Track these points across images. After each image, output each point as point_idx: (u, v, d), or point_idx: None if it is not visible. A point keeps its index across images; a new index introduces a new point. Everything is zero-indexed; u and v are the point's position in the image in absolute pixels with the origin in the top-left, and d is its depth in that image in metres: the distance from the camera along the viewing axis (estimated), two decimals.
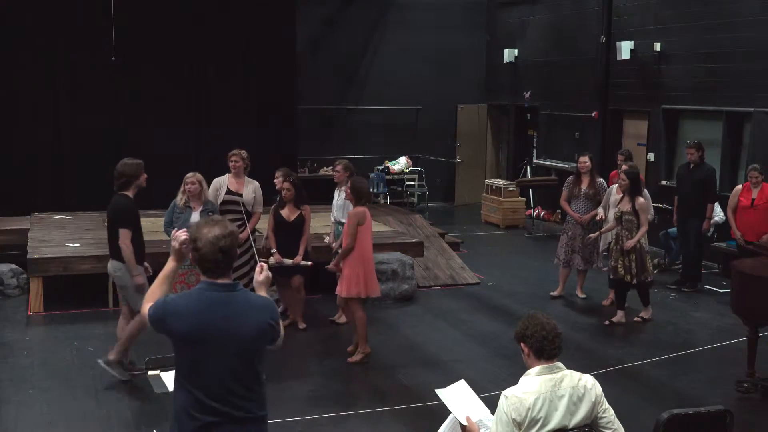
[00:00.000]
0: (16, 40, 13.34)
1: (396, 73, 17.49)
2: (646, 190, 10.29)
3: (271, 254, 8.85)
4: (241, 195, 8.82)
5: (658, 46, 13.35)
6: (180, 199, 8.45)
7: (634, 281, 9.19)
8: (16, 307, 9.77)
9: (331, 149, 17.03)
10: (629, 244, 9.06)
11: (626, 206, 9.16)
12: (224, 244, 3.62)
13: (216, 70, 14.54)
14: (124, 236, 7.22)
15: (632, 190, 9.17)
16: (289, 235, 8.83)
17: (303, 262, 8.87)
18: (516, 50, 17.36)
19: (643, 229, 9.10)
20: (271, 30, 14.81)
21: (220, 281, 3.67)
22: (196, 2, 14.34)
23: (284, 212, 8.85)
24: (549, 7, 16.46)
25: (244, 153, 9.02)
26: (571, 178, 10.62)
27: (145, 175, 7.47)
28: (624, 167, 10.05)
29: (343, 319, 9.29)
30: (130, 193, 7.35)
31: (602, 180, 10.51)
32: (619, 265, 9.17)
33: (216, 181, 9.05)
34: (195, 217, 8.22)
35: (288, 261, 8.80)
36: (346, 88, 17.46)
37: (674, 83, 13.23)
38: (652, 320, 9.42)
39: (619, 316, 9.40)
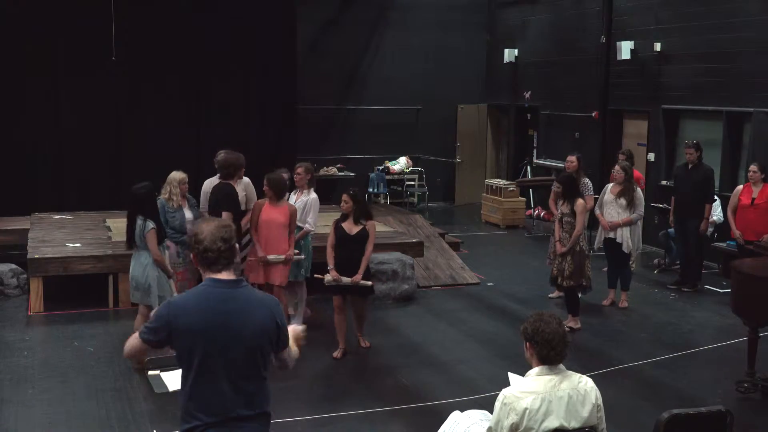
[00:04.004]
0: (16, 39, 13.34)
1: (396, 73, 17.48)
2: (639, 189, 10.31)
3: (328, 270, 8.05)
4: None
5: (658, 46, 13.35)
6: (175, 200, 8.62)
7: (564, 284, 9.03)
8: (17, 307, 9.77)
9: (332, 149, 17.05)
10: (560, 249, 9.01)
11: (566, 208, 9.09)
12: (225, 234, 3.69)
13: (216, 69, 14.54)
14: (227, 218, 7.75)
15: (569, 194, 9.07)
16: (350, 250, 8.01)
17: (363, 282, 8.04)
18: (516, 50, 17.36)
19: (576, 230, 8.90)
20: (272, 30, 14.81)
21: (223, 276, 3.69)
22: (196, 2, 14.34)
23: (346, 225, 8.07)
24: (549, 7, 16.45)
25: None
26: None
27: (243, 168, 8.51)
28: (617, 167, 10.08)
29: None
30: (233, 182, 8.38)
31: (587, 180, 10.47)
32: (555, 266, 9.17)
33: (207, 183, 9.11)
34: (189, 213, 8.69)
35: (347, 279, 7.97)
36: (346, 88, 17.45)
37: (674, 83, 13.23)
38: (580, 329, 9.06)
39: (567, 321, 9.02)
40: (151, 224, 7.49)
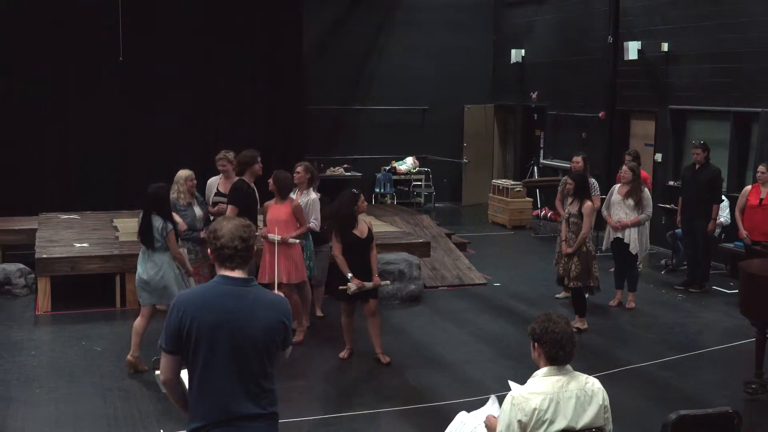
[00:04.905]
0: (23, 40, 13.39)
1: (403, 74, 17.48)
2: (647, 190, 10.29)
3: (348, 280, 7.73)
4: None
5: (665, 47, 13.32)
6: (184, 198, 8.68)
7: (571, 285, 9.03)
8: (24, 307, 9.80)
9: (339, 149, 17.07)
10: (566, 249, 8.98)
11: (574, 208, 9.06)
12: (244, 233, 3.71)
13: (223, 70, 14.57)
14: (230, 212, 8.12)
15: (579, 193, 9.04)
16: (364, 254, 7.86)
17: (383, 282, 8.22)
18: (523, 50, 17.35)
19: (583, 232, 8.87)
20: (279, 31, 14.84)
21: (235, 274, 3.69)
22: (203, 3, 14.37)
23: (357, 231, 7.82)
24: (556, 7, 16.44)
25: (231, 155, 9.19)
26: (564, 177, 10.62)
27: (260, 164, 8.63)
28: (624, 167, 10.07)
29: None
30: (246, 178, 8.57)
31: (593, 180, 10.45)
32: (561, 266, 9.16)
33: (209, 181, 9.42)
34: (198, 211, 8.79)
35: (369, 284, 7.80)
36: (353, 89, 17.45)
37: (682, 83, 13.20)
38: (587, 330, 9.02)
39: (574, 321, 8.86)
40: (170, 225, 7.54)
